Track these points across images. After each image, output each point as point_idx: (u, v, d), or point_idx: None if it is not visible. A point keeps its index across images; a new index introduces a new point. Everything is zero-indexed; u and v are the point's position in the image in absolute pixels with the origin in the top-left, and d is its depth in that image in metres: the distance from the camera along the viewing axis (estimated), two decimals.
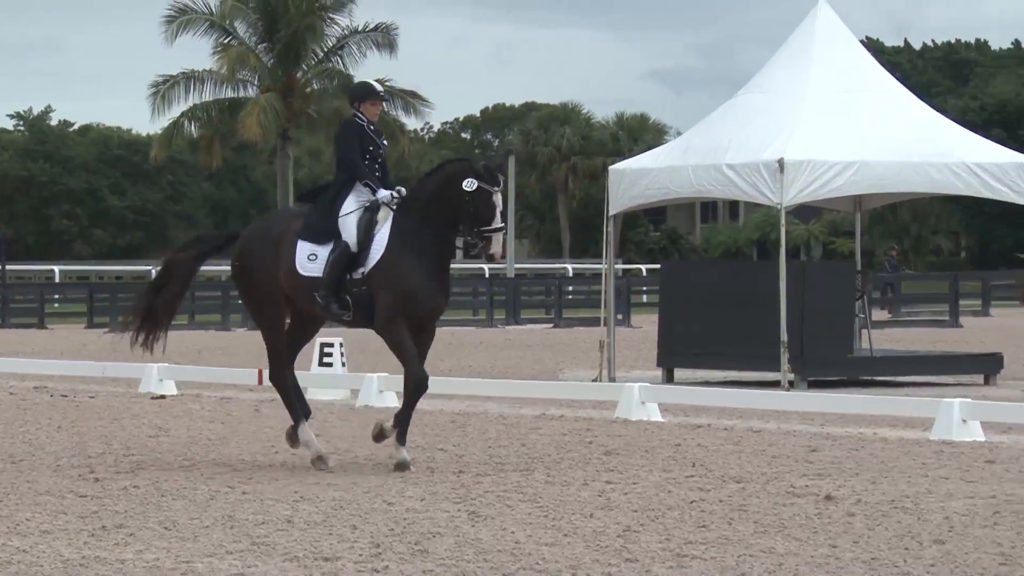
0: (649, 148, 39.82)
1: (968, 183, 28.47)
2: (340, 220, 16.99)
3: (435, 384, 18.11)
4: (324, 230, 17.05)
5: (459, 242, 17.17)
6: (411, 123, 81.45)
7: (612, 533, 13.15)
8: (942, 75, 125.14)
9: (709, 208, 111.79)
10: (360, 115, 17.46)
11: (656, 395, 22.93)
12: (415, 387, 16.98)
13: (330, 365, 26.37)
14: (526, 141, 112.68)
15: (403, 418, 17.05)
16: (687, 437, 20.39)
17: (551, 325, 56.02)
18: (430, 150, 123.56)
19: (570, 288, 64.84)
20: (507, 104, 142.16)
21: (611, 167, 30.58)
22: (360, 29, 77.14)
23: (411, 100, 77.81)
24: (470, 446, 19.32)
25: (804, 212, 36.31)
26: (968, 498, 15.03)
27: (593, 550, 12.36)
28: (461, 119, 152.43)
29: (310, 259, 17.02)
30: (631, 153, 53.58)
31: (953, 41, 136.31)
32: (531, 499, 15.09)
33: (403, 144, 79.58)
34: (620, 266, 71.22)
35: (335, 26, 77.58)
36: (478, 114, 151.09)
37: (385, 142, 17.73)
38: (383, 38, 76.80)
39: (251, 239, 17.82)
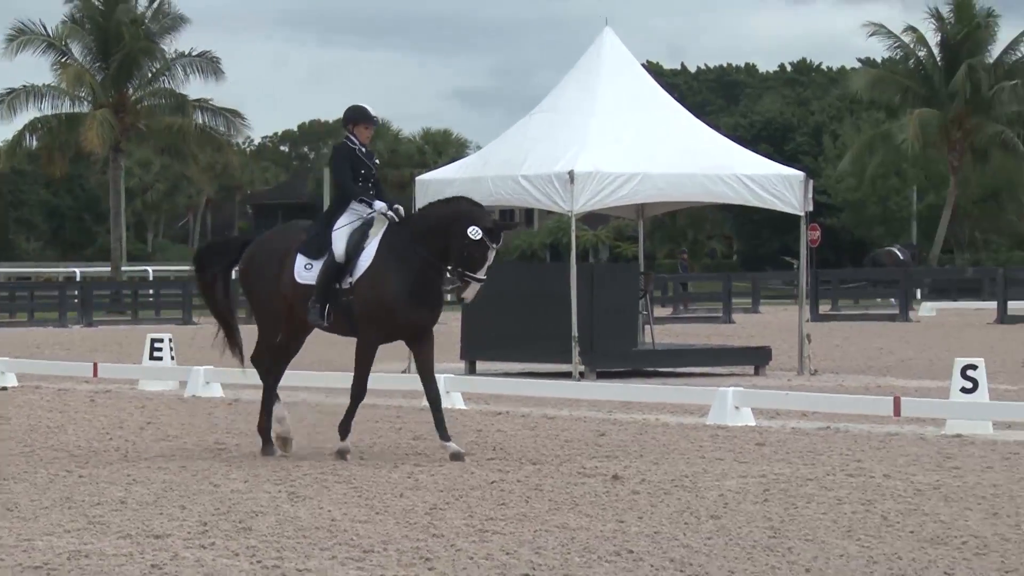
0: (452, 161, 39.80)
1: (739, 192, 28.82)
2: (333, 234, 16.64)
3: (253, 375, 17.95)
4: (319, 243, 16.71)
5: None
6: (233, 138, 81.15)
7: (420, 511, 13.13)
8: (715, 95, 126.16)
9: (507, 215, 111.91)
10: (352, 138, 17.06)
11: (460, 385, 23.08)
12: (356, 396, 16.80)
13: (160, 359, 26.21)
14: None
15: (345, 421, 16.84)
16: (488, 423, 20.42)
17: None
18: (251, 161, 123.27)
19: None
20: (322, 120, 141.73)
21: (418, 178, 30.58)
22: (186, 53, 76.90)
23: (232, 118, 77.70)
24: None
25: (592, 219, 36.41)
26: (741, 477, 15.17)
27: (403, 526, 12.34)
28: (280, 133, 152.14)
29: (306, 269, 16.71)
30: (436, 165, 53.55)
31: (725, 65, 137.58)
32: (346, 480, 15.05)
33: (228, 155, 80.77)
34: None
35: (163, 49, 77.34)
36: (296, 129, 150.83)
37: (376, 162, 17.37)
38: (207, 64, 76.63)
39: (259, 249, 17.45)
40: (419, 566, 10.72)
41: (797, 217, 29.05)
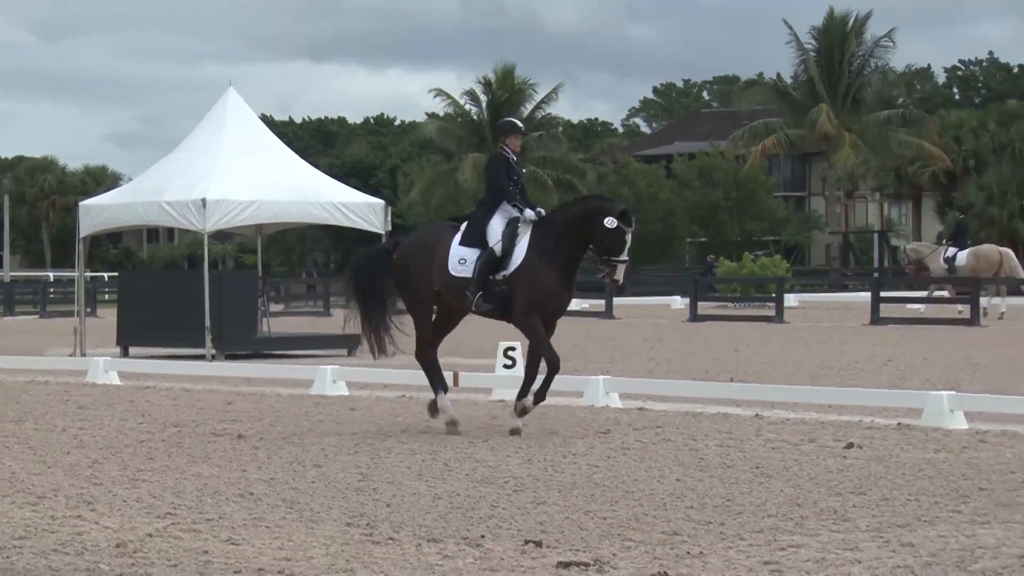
0: (109, 190, 38.99)
1: (335, 216, 29.30)
2: (489, 233, 15.25)
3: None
4: (474, 240, 15.30)
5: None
6: None
7: (84, 464, 12.84)
8: (315, 141, 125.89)
9: (154, 232, 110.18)
10: (506, 148, 15.66)
11: (116, 365, 22.66)
12: (553, 366, 15.17)
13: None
14: (18, 184, 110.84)
15: (542, 389, 15.25)
16: (138, 395, 20.04)
17: (38, 316, 54.70)
18: None
19: (52, 289, 63.42)
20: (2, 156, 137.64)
21: (81, 203, 29.98)
22: None
23: None
24: None
25: (221, 236, 36.13)
26: (337, 435, 15.15)
27: (70, 477, 12.05)
28: None
29: (460, 263, 15.31)
30: (95, 193, 52.37)
31: (323, 117, 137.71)
32: (24, 441, 14.60)
33: None
34: (89, 273, 69.56)
35: None
36: None
37: (523, 170, 16.04)
38: None
39: (411, 247, 15.90)
40: (83, 508, 10.48)
41: (380, 234, 29.42)
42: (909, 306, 42.49)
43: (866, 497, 10.87)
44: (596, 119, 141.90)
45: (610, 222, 14.87)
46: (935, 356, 26.49)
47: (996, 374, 22.17)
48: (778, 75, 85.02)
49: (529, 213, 15.27)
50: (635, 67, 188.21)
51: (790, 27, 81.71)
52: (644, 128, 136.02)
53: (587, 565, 8.36)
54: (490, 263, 15.11)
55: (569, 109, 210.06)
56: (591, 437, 14.79)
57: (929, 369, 23.24)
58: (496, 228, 15.25)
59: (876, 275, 40.64)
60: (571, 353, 27.04)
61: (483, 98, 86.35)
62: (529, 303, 15.04)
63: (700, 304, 45.18)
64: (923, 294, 43.44)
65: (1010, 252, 43.52)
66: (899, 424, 15.56)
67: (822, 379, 20.80)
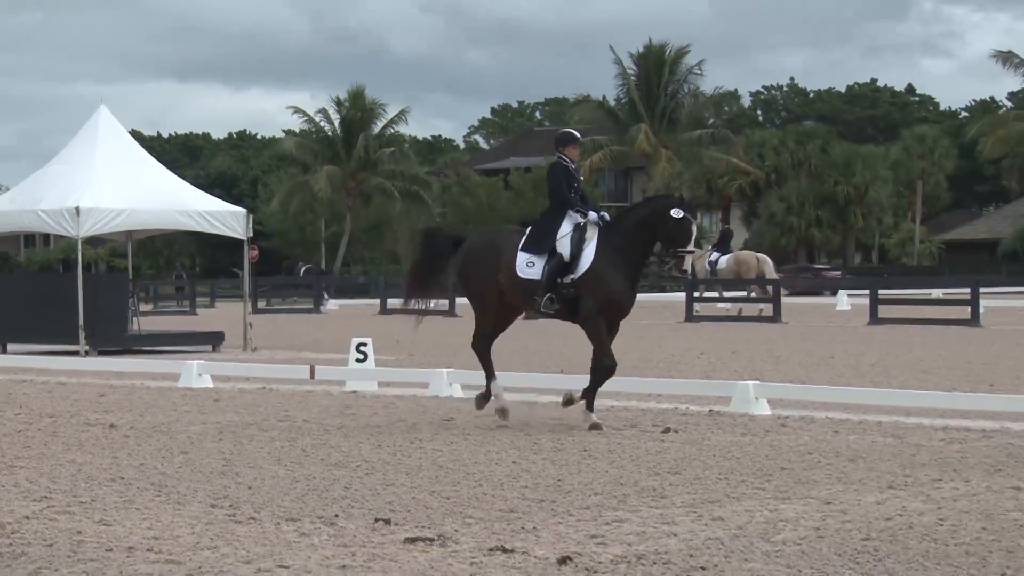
0: None
1: (200, 223, 29.01)
2: (557, 238, 14.41)
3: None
4: (542, 245, 14.45)
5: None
6: None
7: None
8: (182, 155, 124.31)
9: (30, 238, 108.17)
10: (564, 157, 14.77)
11: None
12: (605, 371, 14.30)
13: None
14: None
15: (590, 392, 14.40)
16: (16, 388, 19.61)
17: None
18: None
19: None
20: None
21: None
22: None
23: None
24: None
25: (94, 241, 35.47)
26: (203, 424, 14.97)
27: None
28: None
29: (528, 265, 14.43)
30: None
31: (188, 132, 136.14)
32: None
33: None
34: None
35: None
36: None
37: (581, 177, 15.01)
38: None
39: (478, 245, 15.11)
40: None
41: (242, 240, 29.16)
42: (719, 305, 43.04)
43: (681, 476, 10.99)
44: (440, 136, 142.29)
45: (677, 212, 14.17)
46: (742, 350, 26.88)
47: (795, 365, 22.56)
48: (603, 97, 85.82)
49: (593, 216, 14.52)
50: (474, 89, 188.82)
51: (615, 53, 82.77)
52: (483, 144, 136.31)
53: (432, 540, 8.35)
54: (559, 267, 14.38)
55: (415, 127, 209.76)
56: (436, 424, 14.77)
57: (737, 361, 23.57)
58: (563, 234, 14.47)
59: (689, 277, 41.45)
60: (418, 348, 27.00)
61: (335, 116, 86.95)
62: (596, 306, 14.27)
63: None
64: (739, 294, 44.10)
65: (766, 258, 44.90)
66: (711, 411, 15.75)
67: (643, 371, 20.98)
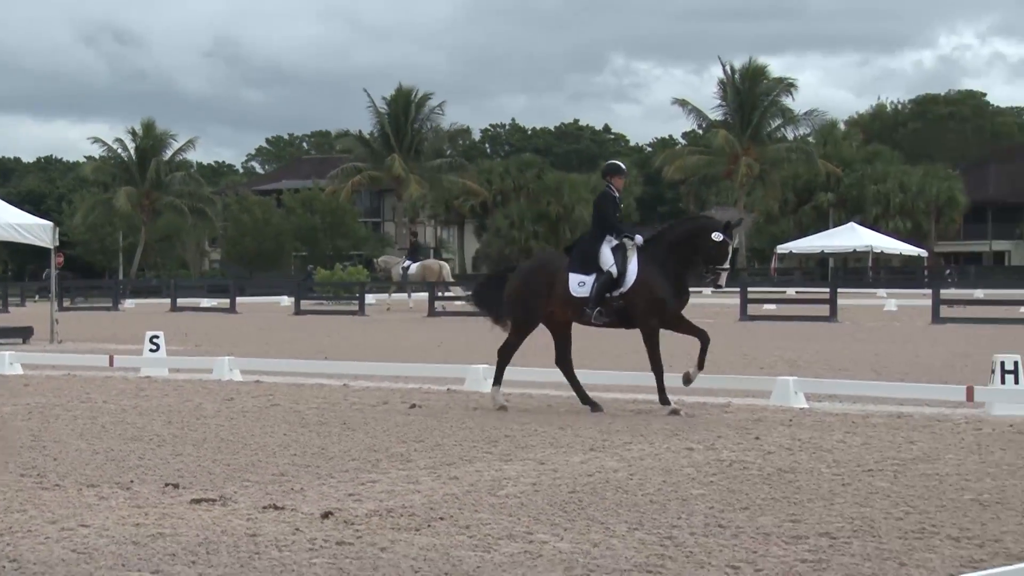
0: None
1: (11, 233, 28.04)
2: (601, 259, 13.58)
3: None
4: (588, 266, 13.62)
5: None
6: None
7: None
8: None
9: None
10: (611, 186, 13.90)
11: None
12: (659, 373, 13.48)
13: None
14: None
15: (661, 392, 13.49)
16: None
17: None
18: None
19: None
20: None
21: None
22: None
23: None
24: None
25: None
26: (13, 406, 14.30)
27: None
28: None
29: (580, 285, 13.57)
30: None
31: (2, 157, 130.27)
32: None
33: None
34: None
35: None
36: None
37: (622, 204, 14.10)
38: None
39: (530, 272, 14.07)
40: None
41: (50, 248, 28.14)
42: (456, 303, 43.49)
43: (424, 444, 11.01)
44: (222, 162, 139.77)
45: (717, 236, 13.44)
46: (474, 340, 27.07)
47: (518, 353, 22.72)
48: (360, 131, 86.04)
49: (639, 239, 13.78)
50: (251, 123, 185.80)
51: (369, 95, 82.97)
52: (259, 169, 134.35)
53: (214, 500, 8.19)
54: (607, 284, 13.61)
55: (201, 154, 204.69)
56: (218, 403, 14.47)
57: (470, 349, 23.72)
58: (607, 255, 13.67)
59: (432, 282, 42.48)
60: (203, 340, 26.44)
61: (131, 145, 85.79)
62: (648, 312, 13.51)
63: (303, 302, 44.93)
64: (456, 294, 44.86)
65: (445, 264, 47.52)
66: (449, 390, 15.82)
67: (393, 357, 20.95)
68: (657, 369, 13.51)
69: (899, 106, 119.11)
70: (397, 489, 8.66)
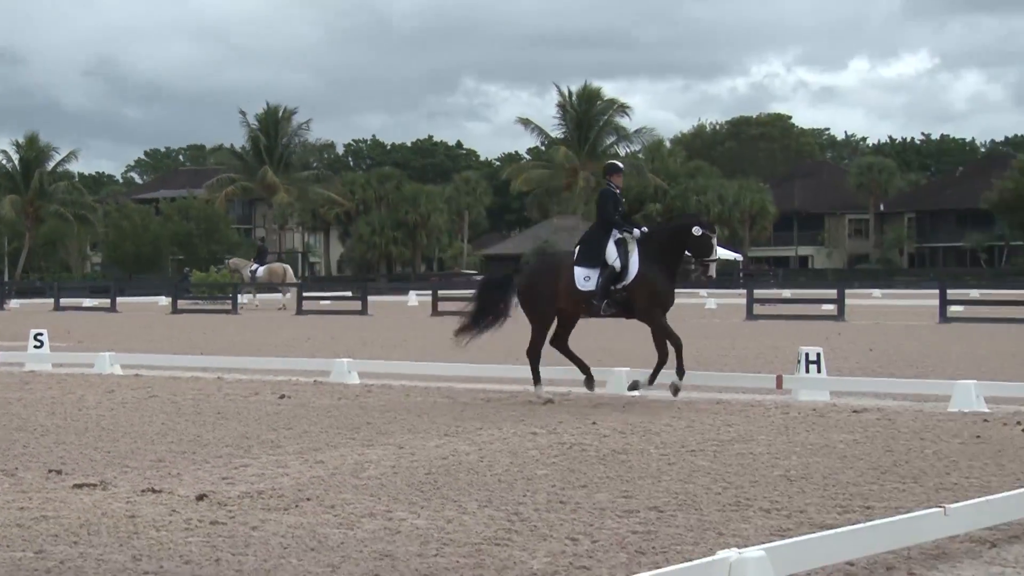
0: None
1: None
2: (606, 254, 13.12)
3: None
4: (593, 260, 13.16)
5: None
6: None
7: None
8: None
9: None
10: (611, 184, 13.40)
11: None
12: (678, 347, 12.86)
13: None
14: None
15: (679, 366, 12.92)
16: None
17: None
18: None
19: None
20: None
21: None
22: None
23: None
24: None
25: None
26: None
27: None
28: None
29: (585, 279, 13.11)
30: None
31: None
32: None
33: None
34: None
35: None
36: None
37: (624, 200, 13.61)
38: None
39: (538, 270, 13.64)
40: None
41: None
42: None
43: (293, 431, 10.86)
44: (103, 172, 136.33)
45: (696, 230, 13.11)
46: (340, 335, 26.86)
47: (377, 347, 22.68)
48: (232, 144, 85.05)
49: (637, 232, 13.35)
50: (130, 136, 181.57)
51: (243, 113, 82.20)
52: (138, 179, 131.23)
53: (95, 485, 7.96)
54: (611, 277, 13.21)
55: (84, 165, 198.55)
56: (100, 395, 14.05)
57: (336, 344, 23.51)
58: (611, 250, 13.26)
59: (300, 282, 42.16)
60: (85, 337, 25.66)
61: (15, 156, 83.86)
62: (650, 302, 13.12)
63: (179, 302, 43.97)
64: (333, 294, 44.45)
65: (288, 267, 47.85)
66: (315, 381, 15.63)
67: (264, 352, 20.63)
68: (677, 344, 13.00)
69: (717, 127, 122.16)
70: (267, 473, 8.53)
